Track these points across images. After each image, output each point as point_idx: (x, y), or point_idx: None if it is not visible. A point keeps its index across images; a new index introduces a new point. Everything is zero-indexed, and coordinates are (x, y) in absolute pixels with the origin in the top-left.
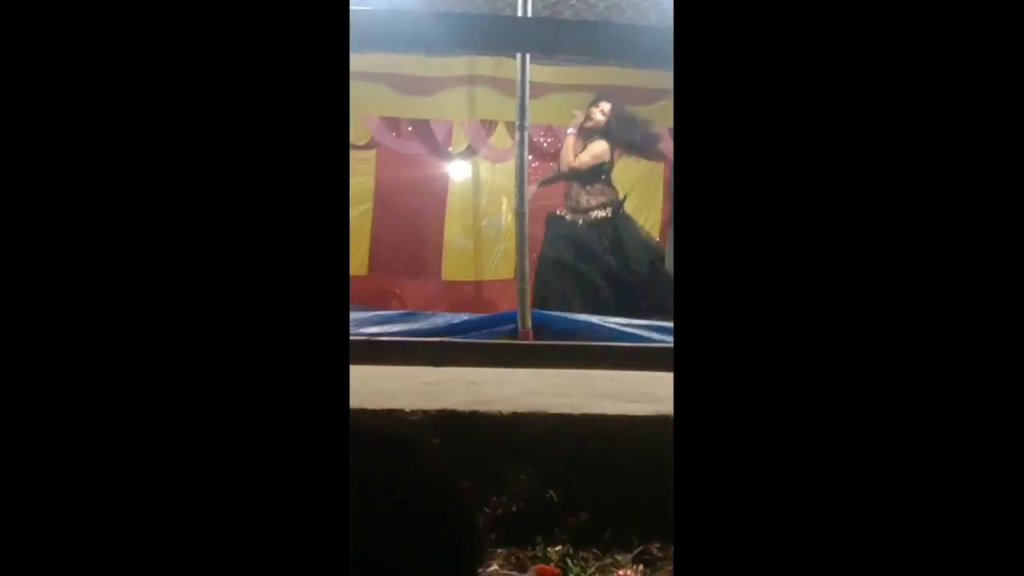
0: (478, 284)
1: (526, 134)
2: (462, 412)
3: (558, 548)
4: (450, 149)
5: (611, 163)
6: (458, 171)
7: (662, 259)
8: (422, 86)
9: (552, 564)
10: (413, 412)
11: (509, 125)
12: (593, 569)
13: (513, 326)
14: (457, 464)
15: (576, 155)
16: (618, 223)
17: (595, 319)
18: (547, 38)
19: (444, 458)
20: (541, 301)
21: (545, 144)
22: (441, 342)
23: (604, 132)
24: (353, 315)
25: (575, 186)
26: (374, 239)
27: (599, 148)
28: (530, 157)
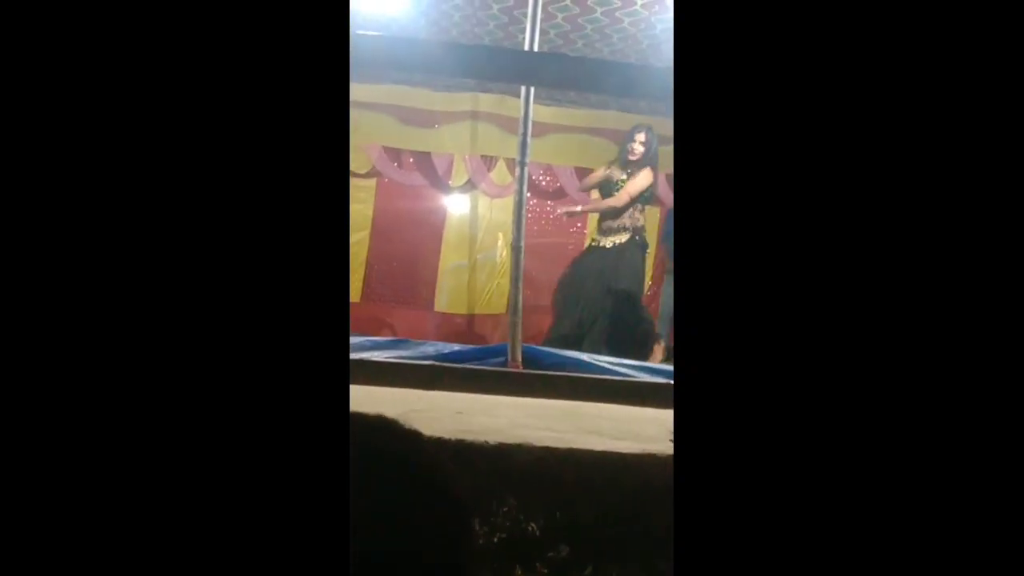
0: (470, 317)
1: (526, 171)
2: (448, 440)
3: None
4: (450, 182)
5: (652, 188)
6: (456, 204)
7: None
8: (426, 119)
9: None
10: None
11: (509, 162)
12: None
13: (503, 359)
14: (442, 493)
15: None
16: (634, 248)
17: (584, 356)
18: (551, 73)
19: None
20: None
21: (544, 183)
22: (433, 366)
23: (647, 160)
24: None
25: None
26: (369, 267)
27: (645, 177)
28: (528, 194)
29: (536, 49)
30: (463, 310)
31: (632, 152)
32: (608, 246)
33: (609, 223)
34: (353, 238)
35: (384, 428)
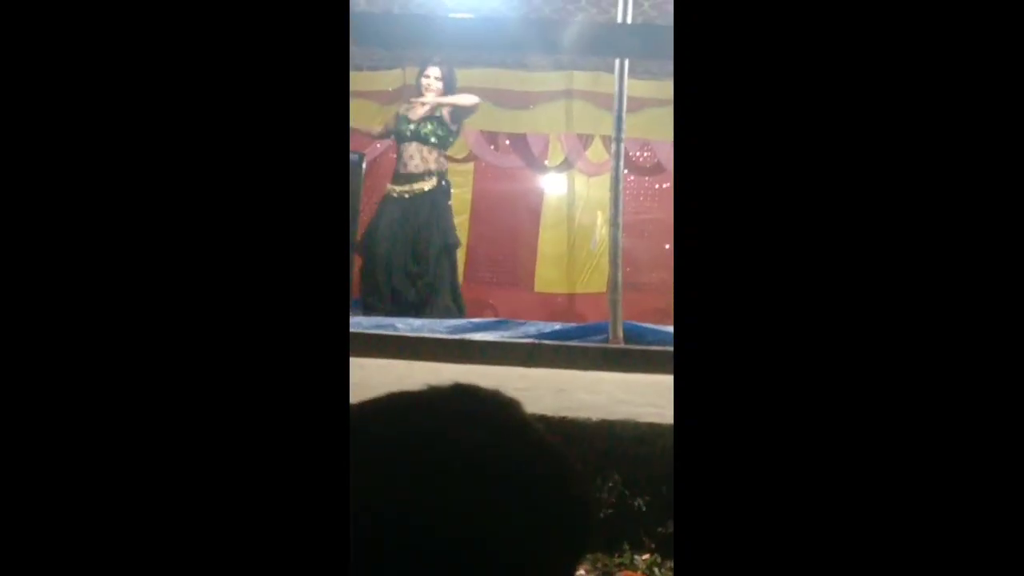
0: (570, 297)
1: (622, 147)
2: (551, 418)
3: (645, 556)
4: (546, 162)
5: (448, 130)
6: (553, 184)
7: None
8: (521, 100)
9: (639, 572)
10: None
11: (605, 139)
12: None
13: (604, 336)
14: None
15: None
16: (437, 198)
17: None
18: (644, 44)
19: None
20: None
21: (641, 158)
22: (533, 344)
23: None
24: (447, 322)
25: (411, 146)
26: (469, 250)
27: (465, 98)
28: (625, 171)
29: (629, 22)
30: (563, 290)
31: (427, 88)
32: (411, 194)
33: (412, 160)
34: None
35: (488, 399)
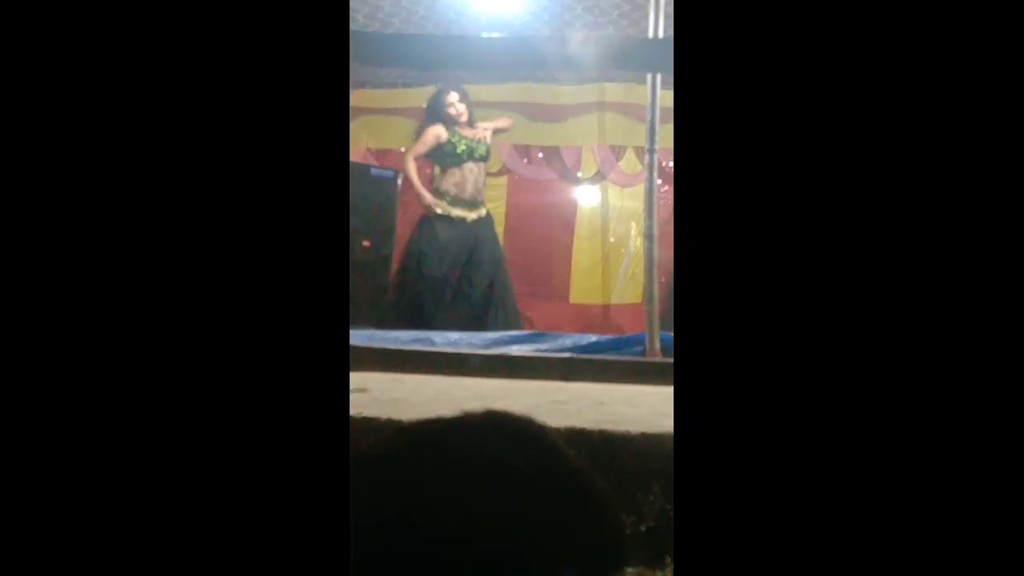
0: (606, 308)
1: (656, 157)
2: (592, 431)
3: None
4: (579, 174)
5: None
6: (587, 196)
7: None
8: (552, 113)
9: None
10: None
11: (638, 150)
12: None
13: (641, 348)
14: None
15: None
16: (490, 224)
17: None
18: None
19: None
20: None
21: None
22: (571, 358)
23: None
24: (484, 335)
25: (466, 167)
26: (504, 262)
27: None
28: (659, 181)
29: (661, 35)
30: (599, 301)
31: (461, 114)
32: (471, 219)
33: (465, 194)
34: None
35: (514, 423)
